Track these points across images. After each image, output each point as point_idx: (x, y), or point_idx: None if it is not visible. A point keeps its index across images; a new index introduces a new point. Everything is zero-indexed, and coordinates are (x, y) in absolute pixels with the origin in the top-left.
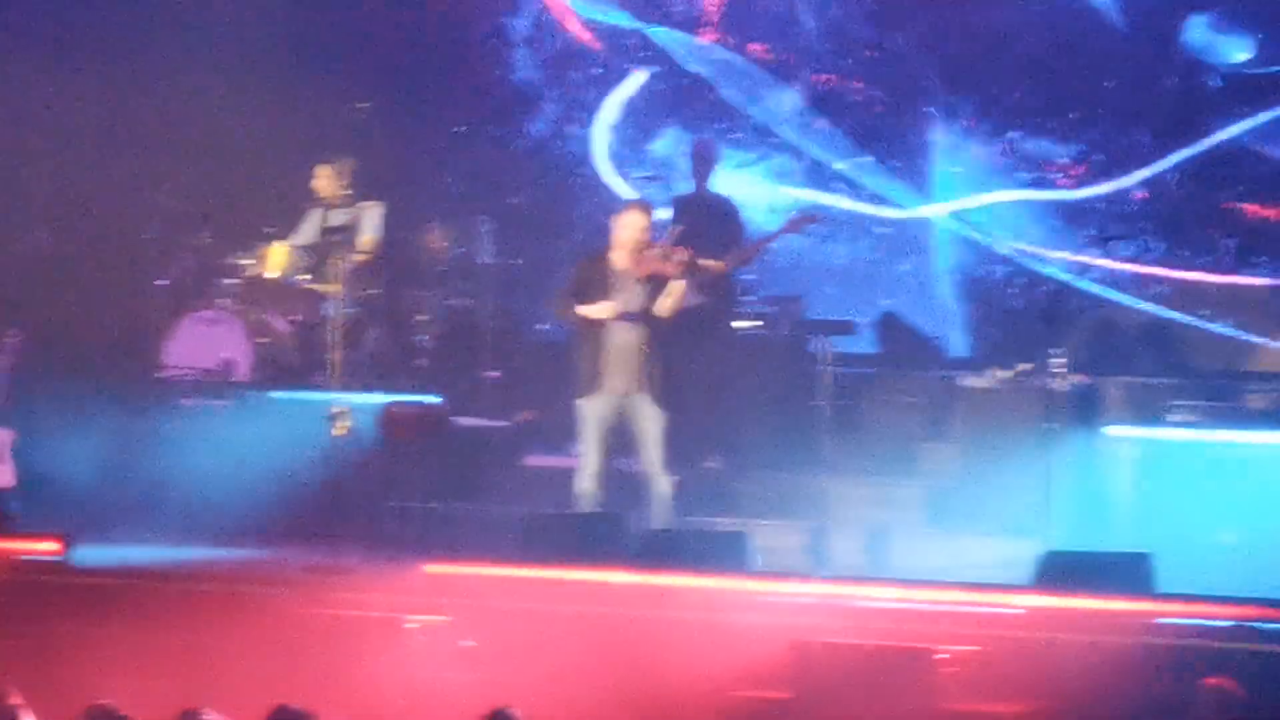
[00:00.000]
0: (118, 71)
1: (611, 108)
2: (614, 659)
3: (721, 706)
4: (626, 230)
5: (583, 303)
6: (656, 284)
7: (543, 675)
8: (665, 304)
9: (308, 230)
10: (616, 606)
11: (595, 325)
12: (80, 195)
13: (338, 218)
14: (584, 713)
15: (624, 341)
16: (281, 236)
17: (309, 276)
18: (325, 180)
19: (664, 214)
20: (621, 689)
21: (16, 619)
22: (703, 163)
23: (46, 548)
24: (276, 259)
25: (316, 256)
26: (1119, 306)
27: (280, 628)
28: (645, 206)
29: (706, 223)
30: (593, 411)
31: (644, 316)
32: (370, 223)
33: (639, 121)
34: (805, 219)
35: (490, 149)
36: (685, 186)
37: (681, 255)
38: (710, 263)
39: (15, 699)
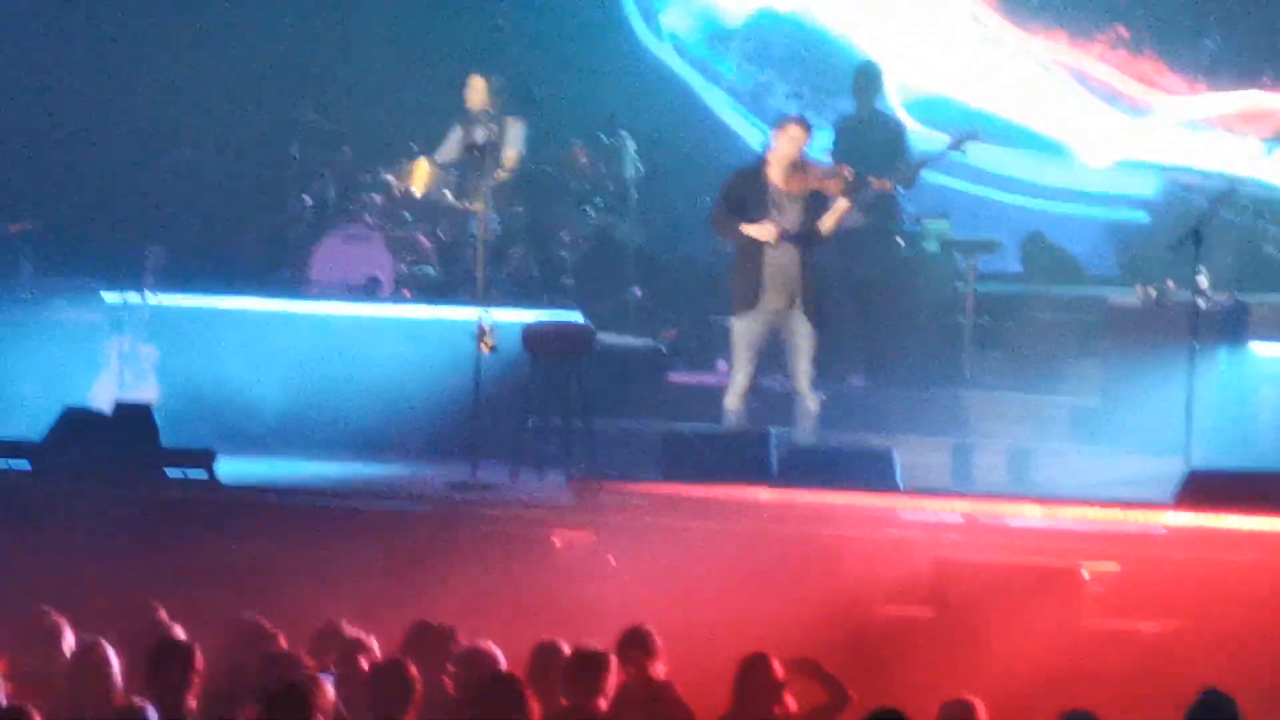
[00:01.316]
0: None
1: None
2: (756, 575)
3: (864, 622)
4: (786, 145)
5: (740, 217)
6: (815, 200)
7: (683, 593)
8: (828, 222)
9: (451, 146)
10: (761, 523)
11: (752, 242)
12: (221, 113)
13: (481, 134)
14: (726, 630)
15: (782, 258)
16: (425, 152)
17: (453, 193)
18: (477, 91)
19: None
20: (763, 605)
21: (164, 536)
22: (866, 83)
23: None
24: (420, 175)
25: (460, 173)
26: (1265, 226)
27: (424, 544)
28: (804, 121)
29: (869, 142)
30: (746, 328)
31: (802, 233)
32: (514, 138)
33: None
34: (966, 135)
35: (633, 64)
36: (847, 106)
37: (845, 173)
38: (874, 181)
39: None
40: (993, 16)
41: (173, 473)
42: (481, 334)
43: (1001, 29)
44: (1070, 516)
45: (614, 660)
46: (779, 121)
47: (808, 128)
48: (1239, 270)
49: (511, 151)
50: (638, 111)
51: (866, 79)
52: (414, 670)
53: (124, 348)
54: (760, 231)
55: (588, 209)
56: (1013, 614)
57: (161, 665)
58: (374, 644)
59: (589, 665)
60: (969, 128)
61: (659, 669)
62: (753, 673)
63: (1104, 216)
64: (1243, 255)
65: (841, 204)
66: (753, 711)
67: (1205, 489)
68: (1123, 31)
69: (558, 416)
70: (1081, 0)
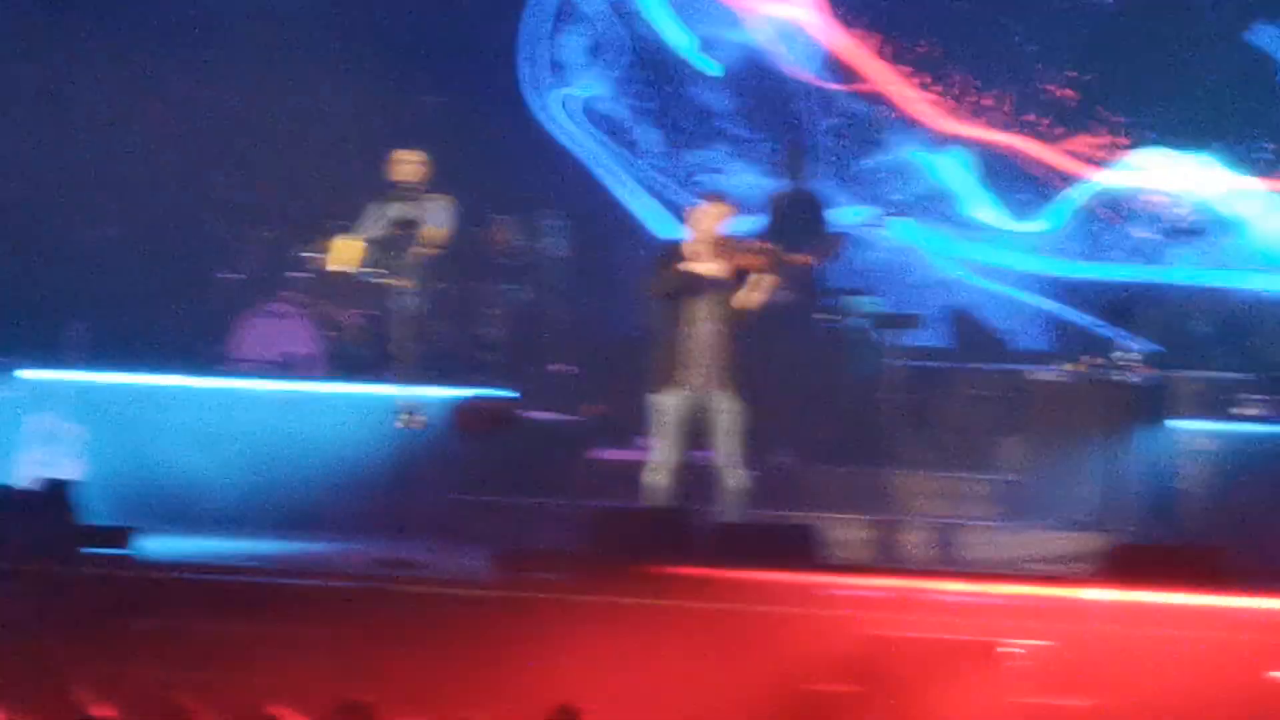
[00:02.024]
0: (185, 63)
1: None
2: (686, 651)
3: (793, 699)
4: (705, 223)
5: (667, 294)
6: (738, 277)
7: (611, 670)
8: (752, 297)
9: (374, 223)
10: (689, 599)
11: (676, 319)
12: (146, 189)
13: (405, 211)
14: (654, 708)
15: (706, 335)
16: (348, 229)
17: (376, 270)
18: (405, 166)
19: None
20: (692, 682)
21: (83, 613)
22: (791, 159)
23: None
24: (343, 252)
25: (384, 249)
26: (1189, 299)
27: (348, 621)
28: (723, 200)
29: (793, 217)
30: (670, 405)
31: (726, 310)
32: (438, 215)
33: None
34: (890, 211)
35: (558, 141)
36: (776, 183)
37: (763, 247)
38: (795, 256)
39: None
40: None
41: (91, 550)
42: (407, 411)
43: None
44: (997, 592)
45: None
46: (700, 200)
47: (727, 206)
48: (1165, 344)
49: (436, 228)
50: (562, 188)
51: (791, 155)
52: None
53: (44, 425)
54: (703, 267)
55: (513, 286)
56: (940, 690)
57: None
58: None
59: None
60: (893, 204)
61: None
62: None
63: (1029, 293)
64: (1167, 332)
65: (761, 280)
66: None
67: (1128, 563)
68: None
69: (482, 492)
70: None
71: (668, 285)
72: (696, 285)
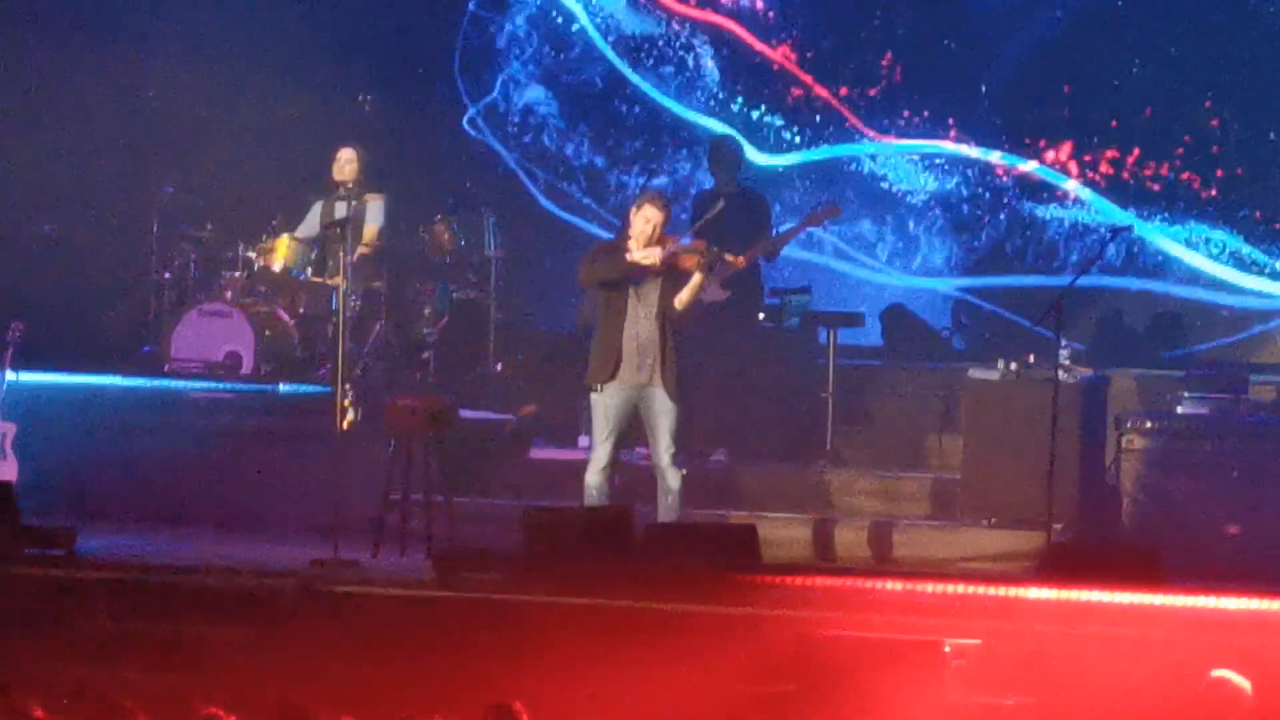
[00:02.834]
0: (122, 63)
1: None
2: (620, 653)
3: (729, 700)
4: (642, 222)
5: (601, 282)
6: (673, 275)
7: (546, 669)
8: (684, 297)
9: (312, 222)
10: (626, 599)
11: (612, 317)
12: (83, 188)
13: (342, 209)
14: (590, 708)
15: (642, 333)
16: (286, 228)
17: (314, 269)
18: (347, 163)
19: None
20: (628, 683)
21: (23, 614)
22: (723, 158)
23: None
24: (281, 251)
25: (321, 248)
26: (1125, 298)
27: (286, 621)
28: (660, 199)
29: (729, 216)
30: (606, 402)
31: (661, 309)
32: (374, 214)
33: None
34: (826, 212)
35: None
36: (712, 182)
37: (700, 247)
38: (729, 257)
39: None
40: None
41: (33, 551)
42: (343, 410)
43: None
44: (933, 591)
45: None
46: (637, 200)
47: (664, 205)
48: (1100, 343)
49: (372, 227)
50: (498, 187)
51: (725, 152)
52: None
53: None
54: (644, 256)
55: (448, 285)
56: (876, 689)
57: None
58: None
59: None
60: (830, 202)
61: None
62: None
63: (965, 289)
64: (1103, 328)
65: (696, 279)
66: None
67: (1066, 561)
68: None
69: (419, 492)
70: None
71: (602, 272)
72: (629, 274)
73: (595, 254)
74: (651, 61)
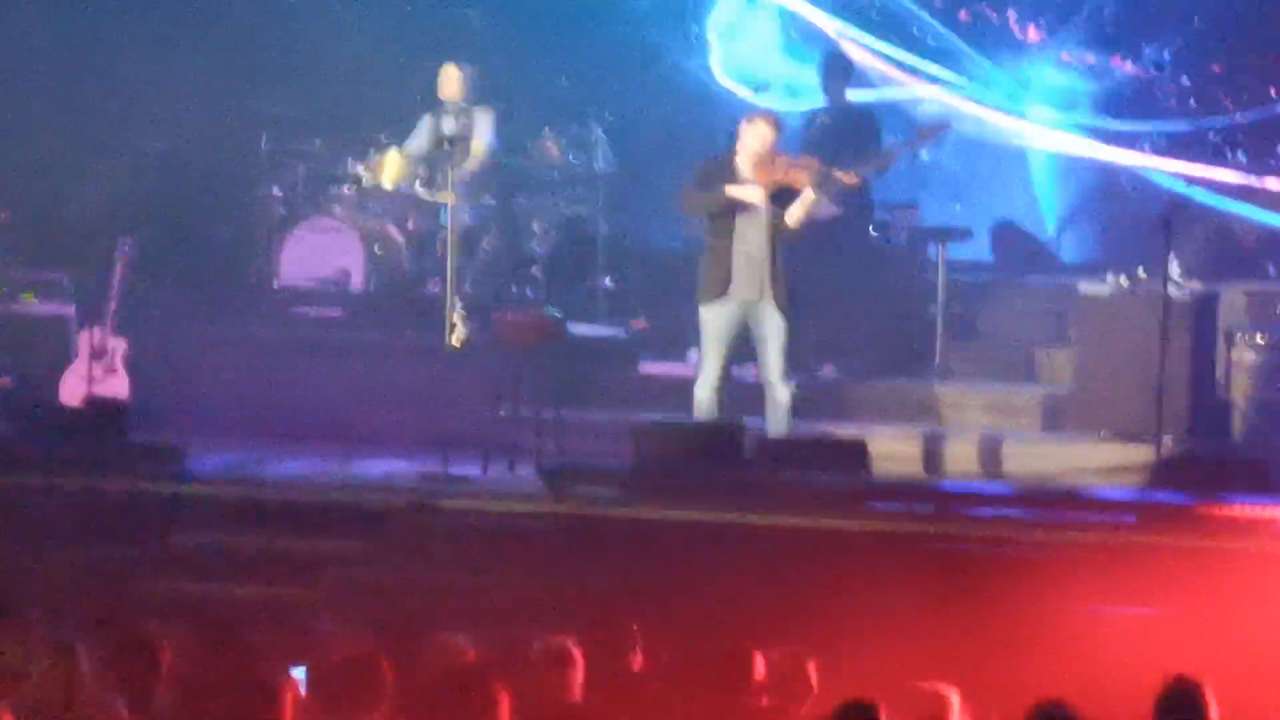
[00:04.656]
0: None
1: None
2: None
3: None
4: (753, 140)
5: (701, 212)
6: (783, 192)
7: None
8: (795, 213)
9: (420, 137)
10: None
11: (722, 232)
12: (192, 104)
13: (450, 124)
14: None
15: (752, 249)
16: (395, 144)
17: (423, 184)
18: (451, 81)
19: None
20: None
21: (133, 531)
22: (834, 74)
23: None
24: (390, 167)
25: (430, 164)
26: (1235, 215)
27: (396, 536)
28: (772, 116)
29: (840, 133)
30: (716, 318)
31: (771, 223)
32: (483, 129)
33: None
34: (936, 128)
35: (604, 52)
36: (816, 98)
37: (811, 164)
38: (841, 174)
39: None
40: None
41: (143, 468)
42: (452, 326)
43: None
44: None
45: (579, 654)
46: (748, 116)
47: (776, 123)
48: (1210, 257)
49: (481, 142)
50: (607, 101)
51: (836, 69)
52: (386, 664)
53: (94, 341)
54: (745, 193)
55: (558, 199)
56: None
57: (130, 662)
58: (347, 639)
59: (557, 656)
60: (939, 117)
61: (637, 661)
62: None
63: (1077, 203)
64: (1213, 243)
65: (808, 195)
66: None
67: (1178, 474)
68: None
69: (528, 407)
70: None
71: (702, 206)
72: (729, 206)
73: (699, 177)
74: None
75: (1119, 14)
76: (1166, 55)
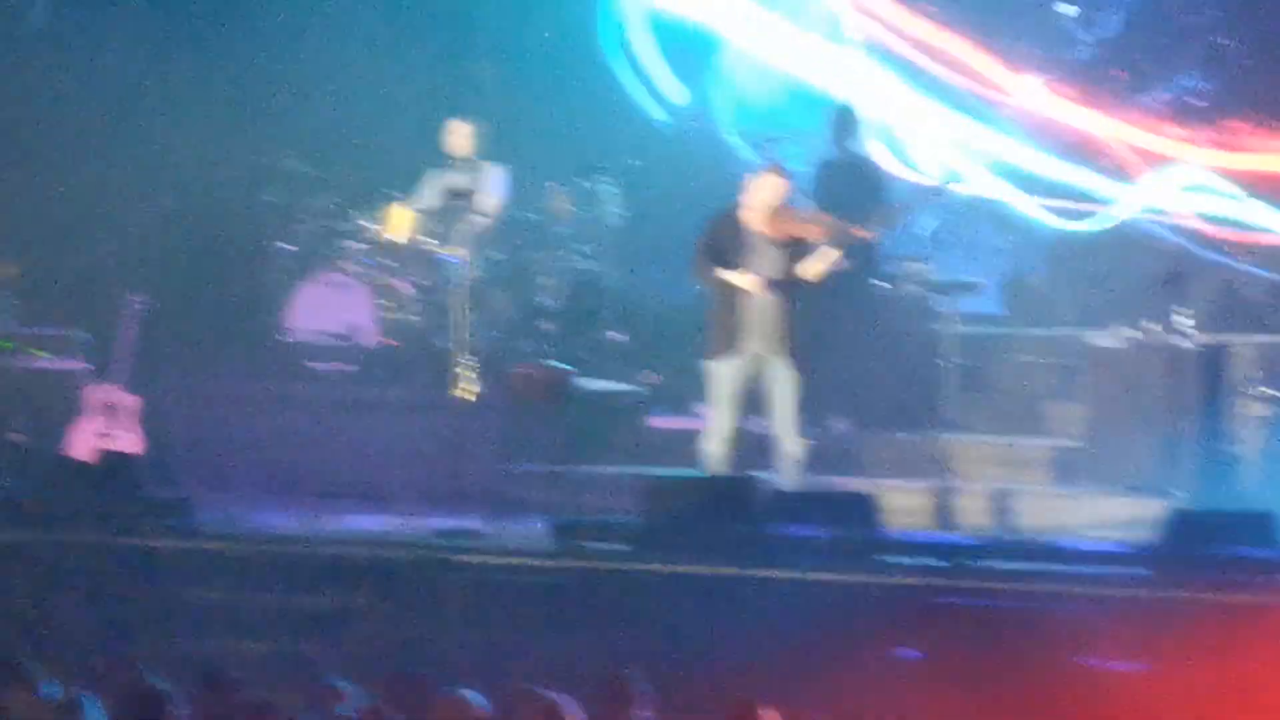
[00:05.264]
0: (239, 35)
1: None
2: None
3: None
4: (763, 193)
5: (720, 263)
6: (795, 245)
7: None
8: (815, 268)
9: (430, 193)
10: None
11: (733, 286)
12: (203, 159)
13: (459, 180)
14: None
15: (762, 303)
16: (404, 199)
17: (432, 239)
18: (459, 136)
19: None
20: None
21: (144, 585)
22: (844, 125)
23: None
24: (400, 222)
25: (440, 219)
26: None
27: (407, 591)
28: (781, 169)
29: (849, 186)
30: (726, 372)
31: (782, 279)
32: (493, 184)
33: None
34: (945, 184)
35: (611, 110)
36: (825, 150)
37: (823, 219)
38: (858, 230)
39: None
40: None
41: (153, 523)
42: (462, 380)
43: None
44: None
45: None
46: (757, 170)
47: (785, 176)
48: (1218, 311)
49: (490, 197)
50: (617, 156)
51: (844, 121)
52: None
53: (104, 396)
54: (741, 280)
55: (568, 253)
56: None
57: (139, 716)
58: (352, 693)
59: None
60: (948, 177)
61: (645, 716)
62: None
63: (1086, 257)
64: (1221, 296)
65: (830, 253)
66: None
67: (1188, 529)
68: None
69: (538, 462)
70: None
71: (708, 281)
72: (741, 260)
73: (709, 234)
74: None
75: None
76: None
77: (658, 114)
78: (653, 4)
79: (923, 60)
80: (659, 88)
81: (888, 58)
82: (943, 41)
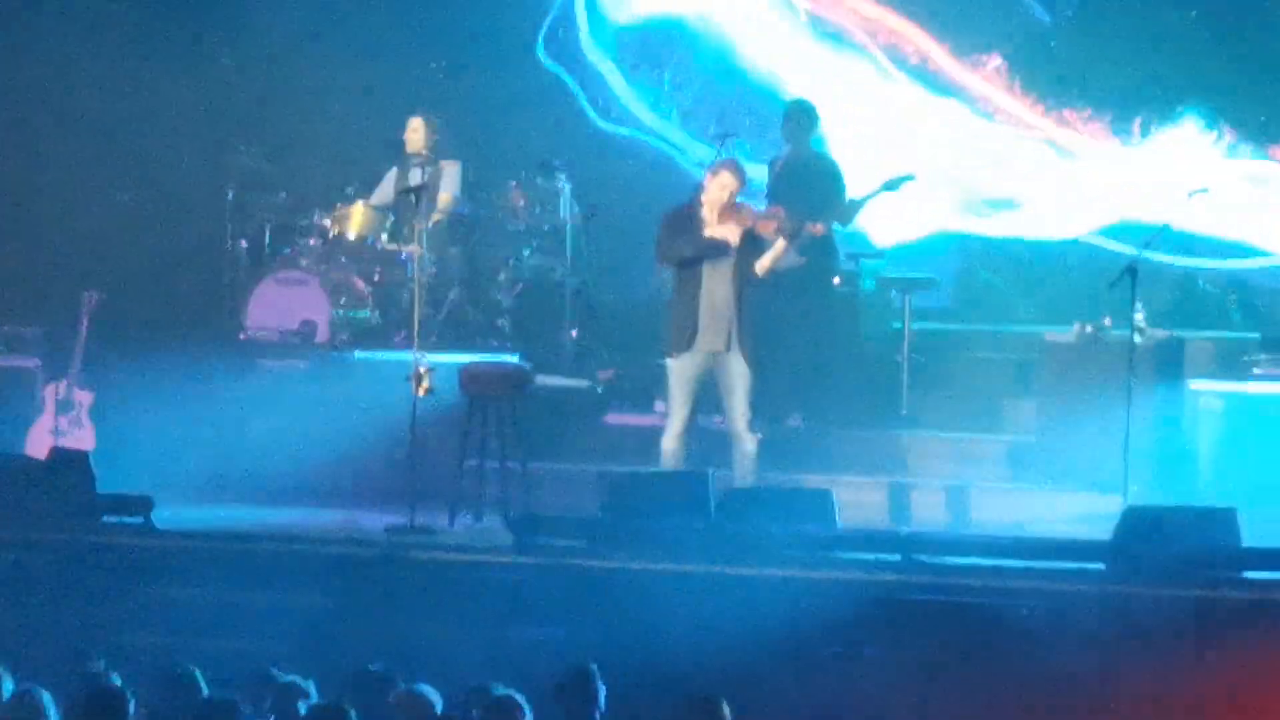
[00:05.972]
0: (198, 33)
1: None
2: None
3: None
4: (718, 189)
5: (679, 261)
6: (749, 241)
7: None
8: (764, 263)
9: (386, 189)
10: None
11: (688, 283)
12: (158, 157)
13: (416, 176)
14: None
15: (717, 299)
16: (361, 195)
17: (389, 236)
18: (416, 133)
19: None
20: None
21: (100, 582)
22: (799, 121)
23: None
24: (356, 218)
25: (396, 216)
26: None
27: (363, 588)
28: (736, 165)
29: (804, 182)
30: (682, 369)
31: (736, 275)
32: (449, 181)
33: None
34: (901, 177)
35: (568, 106)
36: (778, 146)
37: (778, 214)
38: (809, 225)
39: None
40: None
41: (109, 520)
42: (418, 377)
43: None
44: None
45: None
46: (711, 166)
47: (739, 172)
48: (1174, 307)
49: (447, 194)
50: (572, 152)
51: (800, 118)
52: (352, 716)
53: (60, 393)
54: (725, 232)
55: (524, 250)
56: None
57: (95, 713)
58: (311, 689)
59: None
60: (904, 170)
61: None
62: None
63: (1041, 252)
64: (1178, 292)
65: (778, 246)
66: None
67: (1142, 525)
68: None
69: (495, 458)
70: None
71: (685, 250)
72: (710, 250)
73: (670, 227)
74: None
75: None
76: None
77: (614, 111)
78: None
79: (876, 49)
80: (616, 85)
81: (843, 44)
82: (899, 30)
